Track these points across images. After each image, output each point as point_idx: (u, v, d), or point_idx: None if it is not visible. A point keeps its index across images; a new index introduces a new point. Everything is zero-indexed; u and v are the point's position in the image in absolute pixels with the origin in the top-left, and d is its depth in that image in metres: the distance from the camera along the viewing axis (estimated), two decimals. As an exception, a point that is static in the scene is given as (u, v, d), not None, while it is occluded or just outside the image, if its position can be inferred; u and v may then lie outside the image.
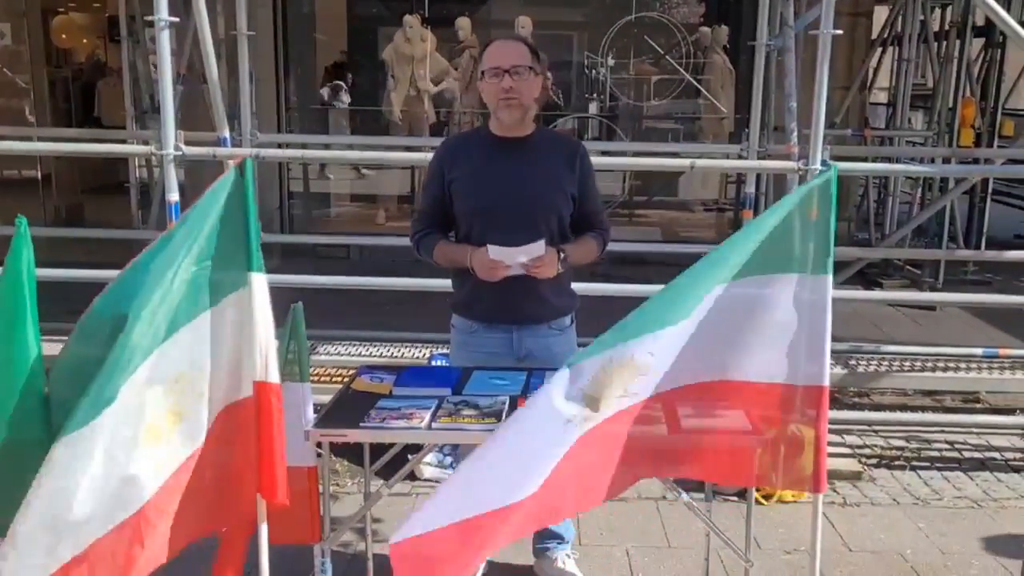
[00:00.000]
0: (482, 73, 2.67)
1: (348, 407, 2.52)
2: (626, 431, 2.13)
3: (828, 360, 2.17)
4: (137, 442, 1.93)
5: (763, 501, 3.76)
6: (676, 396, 2.17)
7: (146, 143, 5.43)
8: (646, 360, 2.05)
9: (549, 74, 8.77)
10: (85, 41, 14.26)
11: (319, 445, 2.47)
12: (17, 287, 1.96)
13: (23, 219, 1.98)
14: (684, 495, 2.56)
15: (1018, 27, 4.14)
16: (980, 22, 7.47)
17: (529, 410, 2.07)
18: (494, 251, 2.57)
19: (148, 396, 1.96)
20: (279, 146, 6.29)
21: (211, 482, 2.15)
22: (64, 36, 13.68)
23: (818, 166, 3.78)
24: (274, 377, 2.16)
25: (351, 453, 3.85)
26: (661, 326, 2.06)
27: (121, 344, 1.89)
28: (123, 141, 6.82)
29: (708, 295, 2.09)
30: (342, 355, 4.72)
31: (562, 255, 2.68)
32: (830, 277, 2.15)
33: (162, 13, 3.51)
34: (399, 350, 4.80)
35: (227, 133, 4.32)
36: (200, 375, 2.09)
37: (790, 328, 2.17)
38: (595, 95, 9.18)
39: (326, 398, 2.64)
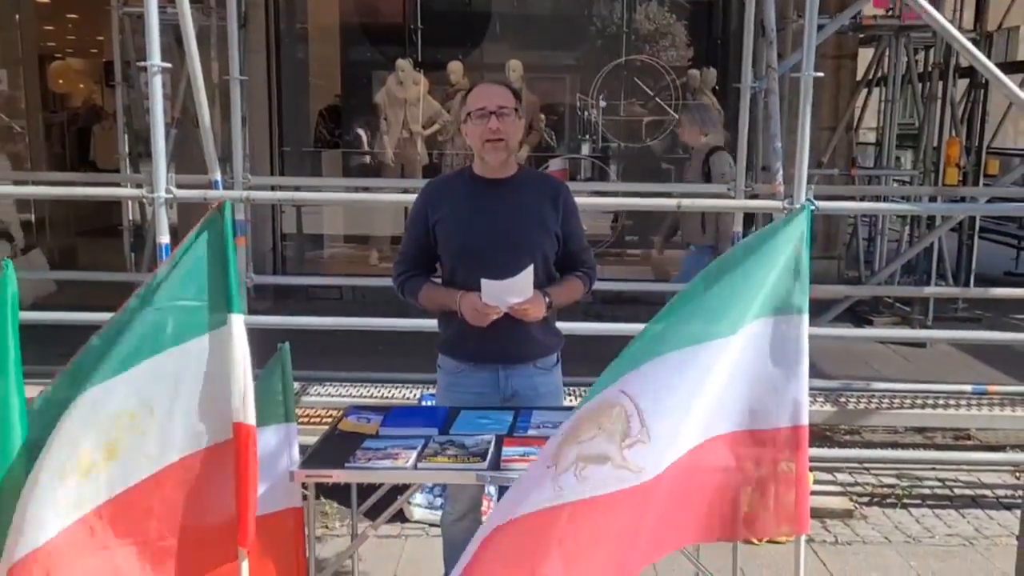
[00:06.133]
0: (467, 115, 2.71)
1: (334, 448, 2.52)
2: (630, 512, 2.05)
3: (806, 398, 2.18)
4: (64, 471, 1.99)
5: (755, 541, 3.72)
6: (673, 467, 2.09)
7: (139, 186, 5.47)
8: (616, 397, 2.03)
9: (542, 116, 8.94)
10: (81, 86, 14.45)
11: (304, 486, 2.46)
12: (1, 330, 1.98)
13: (9, 262, 2.00)
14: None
15: (997, 71, 4.21)
16: (964, 63, 7.59)
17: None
18: (487, 287, 2.57)
19: (90, 423, 2.02)
20: (271, 188, 6.34)
21: (176, 530, 2.14)
22: (61, 81, 13.87)
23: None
24: (251, 419, 2.16)
25: (341, 495, 3.83)
26: (634, 366, 2.06)
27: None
28: (117, 184, 6.86)
29: (682, 350, 2.06)
30: (333, 396, 4.70)
31: (547, 299, 2.70)
32: (806, 317, 2.16)
33: (155, 59, 3.57)
34: (390, 391, 4.79)
35: (219, 176, 4.36)
36: (148, 415, 2.09)
37: (768, 372, 2.16)
38: (587, 136, 9.28)
39: (316, 440, 2.63)
